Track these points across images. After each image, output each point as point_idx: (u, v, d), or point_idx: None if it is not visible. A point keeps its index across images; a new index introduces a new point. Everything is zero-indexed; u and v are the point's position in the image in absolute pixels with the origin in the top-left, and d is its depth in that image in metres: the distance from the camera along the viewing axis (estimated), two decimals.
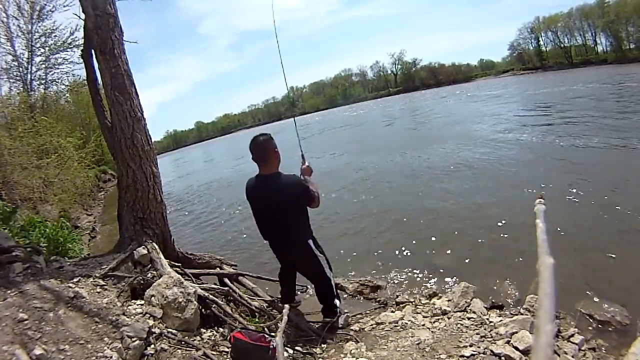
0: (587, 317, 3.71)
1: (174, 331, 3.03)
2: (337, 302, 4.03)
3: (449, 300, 4.12)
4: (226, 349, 3.03)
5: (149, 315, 3.07)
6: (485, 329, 3.39)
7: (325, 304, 4.04)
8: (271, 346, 2.78)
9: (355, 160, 16.14)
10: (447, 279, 4.96)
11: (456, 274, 4.99)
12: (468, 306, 3.93)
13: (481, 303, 3.95)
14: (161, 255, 3.99)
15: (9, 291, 2.73)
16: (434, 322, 3.74)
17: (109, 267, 3.65)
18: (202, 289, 3.65)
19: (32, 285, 2.91)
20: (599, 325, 3.58)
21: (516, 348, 2.94)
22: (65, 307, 2.77)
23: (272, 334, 3.06)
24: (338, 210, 9.18)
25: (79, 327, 2.61)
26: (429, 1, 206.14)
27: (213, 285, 4.15)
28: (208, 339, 3.13)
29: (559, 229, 5.48)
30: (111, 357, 2.43)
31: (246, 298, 4.21)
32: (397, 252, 6.04)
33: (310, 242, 3.74)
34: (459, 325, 3.54)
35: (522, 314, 3.68)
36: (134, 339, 2.63)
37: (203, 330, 3.27)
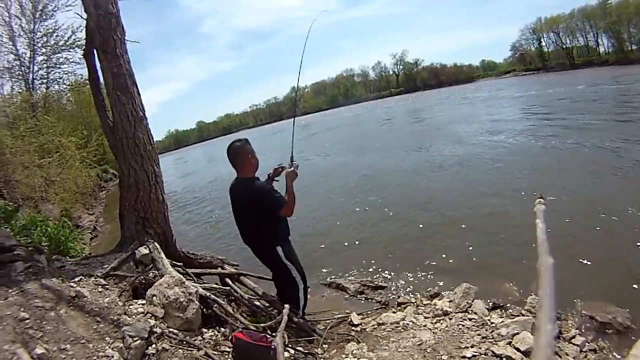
0: (589, 318, 3.70)
1: (175, 331, 3.02)
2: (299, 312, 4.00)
3: (450, 301, 4.12)
4: (228, 349, 3.02)
5: (150, 315, 3.07)
6: (486, 330, 3.39)
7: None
8: (272, 346, 2.77)
9: (354, 159, 16.18)
10: (448, 280, 4.95)
11: (457, 275, 4.98)
12: (469, 307, 3.93)
13: (482, 304, 3.95)
14: (163, 255, 4.00)
15: (10, 290, 2.72)
16: (435, 323, 3.74)
17: (110, 266, 3.65)
18: (203, 288, 3.65)
19: (33, 284, 2.91)
20: (600, 327, 3.57)
21: (517, 349, 2.94)
22: (67, 306, 2.77)
23: (274, 334, 3.06)
24: (338, 210, 9.20)
25: (80, 326, 2.61)
26: (431, 1, 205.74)
27: (214, 285, 4.15)
28: (209, 339, 3.13)
29: (559, 230, 5.47)
30: (112, 356, 2.43)
31: (247, 298, 4.22)
32: (398, 253, 6.04)
33: (278, 249, 3.78)
34: (460, 326, 3.54)
35: (523, 315, 3.68)
36: (135, 339, 2.62)
37: (204, 330, 3.27)
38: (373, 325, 3.94)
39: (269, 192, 3.66)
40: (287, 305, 3.60)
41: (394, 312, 4.16)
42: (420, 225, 7.08)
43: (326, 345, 3.60)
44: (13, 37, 18.34)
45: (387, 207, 8.59)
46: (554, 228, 5.38)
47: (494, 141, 13.37)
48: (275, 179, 4.04)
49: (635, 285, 4.06)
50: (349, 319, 4.14)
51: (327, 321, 4.18)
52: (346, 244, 6.95)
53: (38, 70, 19.44)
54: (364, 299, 4.98)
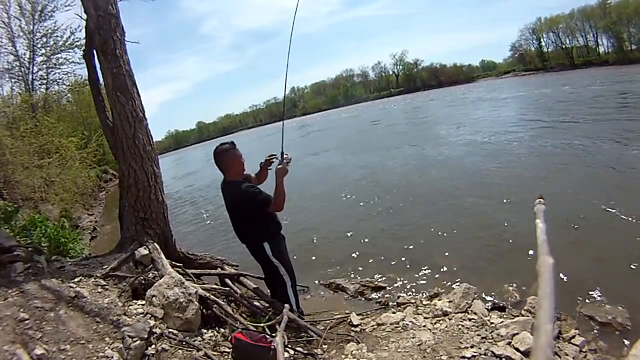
0: (588, 318, 3.70)
1: (175, 331, 3.03)
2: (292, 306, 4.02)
3: (450, 302, 4.12)
4: (227, 350, 3.03)
5: (150, 316, 3.07)
6: (486, 330, 3.39)
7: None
8: (272, 347, 2.77)
9: (351, 159, 16.21)
10: (448, 280, 4.96)
11: (457, 275, 4.99)
12: (469, 307, 3.93)
13: (482, 304, 3.95)
14: (162, 256, 4.00)
15: (10, 291, 2.73)
16: (435, 323, 3.74)
17: (110, 267, 3.65)
18: (203, 289, 3.65)
19: (33, 285, 2.91)
20: (600, 327, 3.58)
21: (517, 349, 2.94)
22: (66, 307, 2.77)
23: (273, 334, 3.06)
24: (337, 210, 9.21)
25: (80, 327, 2.61)
26: (431, 2, 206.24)
27: (214, 286, 4.15)
28: (209, 340, 3.13)
29: (559, 230, 5.47)
30: (112, 357, 2.43)
31: (247, 298, 4.22)
32: (398, 253, 6.03)
33: (266, 245, 3.86)
34: (460, 327, 3.54)
35: (523, 315, 3.68)
36: (135, 339, 2.63)
37: (204, 330, 3.27)
38: (373, 326, 3.93)
39: (253, 194, 3.71)
40: (287, 305, 3.61)
41: (393, 313, 4.16)
42: (420, 226, 7.07)
43: (326, 346, 3.60)
44: (12, 38, 18.36)
45: (386, 207, 8.60)
46: (554, 228, 5.38)
47: (493, 141, 13.36)
48: (268, 168, 4.13)
49: (634, 286, 4.06)
50: (349, 320, 4.13)
51: (327, 321, 4.17)
52: (346, 244, 6.95)
53: (38, 71, 19.47)
54: (363, 299, 4.98)
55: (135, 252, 3.97)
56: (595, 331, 3.54)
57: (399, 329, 3.73)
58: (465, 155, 12.17)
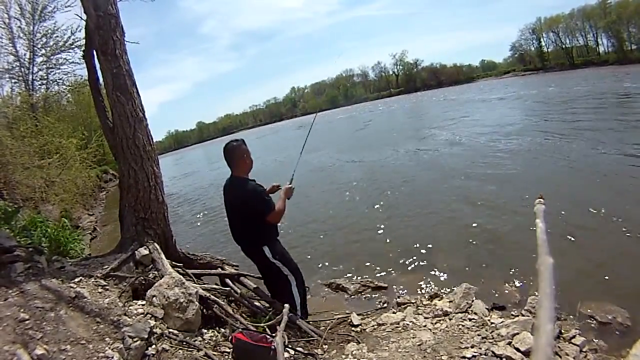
0: (589, 318, 3.70)
1: (175, 331, 3.02)
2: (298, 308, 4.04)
3: (450, 302, 4.12)
4: (228, 350, 3.02)
5: (150, 316, 3.07)
6: (486, 330, 3.39)
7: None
8: (272, 347, 2.77)
9: (350, 159, 16.19)
10: (448, 280, 4.96)
11: (457, 275, 4.99)
12: (469, 307, 3.92)
13: (483, 304, 3.95)
14: (162, 256, 3.99)
15: (10, 291, 2.72)
16: (435, 323, 3.74)
17: (110, 267, 3.64)
18: (203, 289, 3.65)
19: (33, 285, 2.91)
20: (600, 327, 3.58)
21: (517, 349, 2.94)
22: (67, 307, 2.76)
23: (274, 334, 3.06)
24: (337, 210, 9.20)
25: (80, 327, 2.61)
26: (430, 2, 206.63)
27: (214, 286, 4.14)
28: (209, 340, 3.13)
29: (559, 230, 5.47)
30: (112, 357, 2.43)
31: (247, 298, 4.21)
32: (398, 253, 6.04)
33: (266, 248, 3.87)
34: (460, 327, 3.54)
35: (523, 315, 3.67)
36: (135, 339, 2.62)
37: (204, 330, 3.27)
38: (373, 326, 3.93)
39: (260, 195, 3.77)
40: (287, 305, 3.61)
41: (394, 313, 4.16)
42: (420, 225, 7.08)
43: (326, 346, 3.60)
44: (13, 39, 18.35)
45: (385, 206, 8.60)
46: (554, 228, 5.39)
47: (492, 141, 13.36)
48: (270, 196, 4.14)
49: (635, 285, 4.06)
50: (349, 320, 4.14)
51: (327, 321, 4.18)
52: (346, 244, 6.95)
53: (38, 71, 19.46)
54: (363, 299, 4.99)
55: (136, 252, 3.96)
56: (595, 331, 3.55)
57: (400, 329, 3.73)
58: (465, 156, 12.16)
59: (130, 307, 3.19)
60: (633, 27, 63.11)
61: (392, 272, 5.51)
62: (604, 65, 57.51)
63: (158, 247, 4.10)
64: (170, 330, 3.02)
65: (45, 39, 19.01)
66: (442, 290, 4.65)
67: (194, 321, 3.21)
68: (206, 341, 3.10)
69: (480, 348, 3.08)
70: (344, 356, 3.30)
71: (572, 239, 5.30)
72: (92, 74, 4.67)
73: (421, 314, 4.00)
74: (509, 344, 3.05)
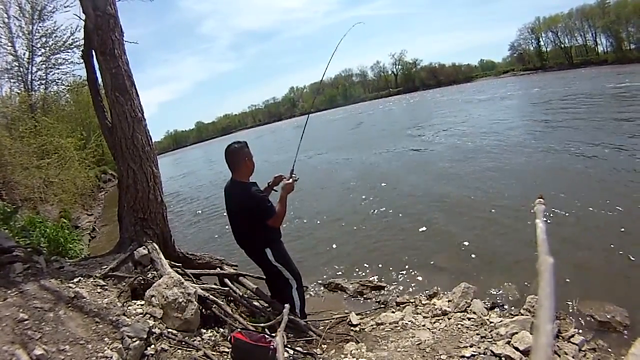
0: (588, 317, 3.71)
1: (174, 331, 3.02)
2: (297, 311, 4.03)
3: (449, 301, 4.12)
4: (227, 350, 3.02)
5: (149, 316, 3.07)
6: (485, 330, 3.39)
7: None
8: (272, 346, 2.77)
9: (348, 158, 16.19)
10: (447, 280, 4.96)
11: (456, 275, 4.99)
12: (468, 306, 3.93)
13: (481, 303, 3.96)
14: (161, 256, 3.99)
15: (9, 291, 2.72)
16: (434, 323, 3.74)
17: (109, 267, 3.64)
18: (202, 289, 3.65)
19: (32, 285, 2.91)
20: (600, 326, 3.58)
21: (517, 348, 2.94)
22: (66, 307, 2.76)
23: (273, 334, 3.06)
24: (336, 210, 9.20)
25: (79, 327, 2.61)
26: (429, 2, 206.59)
27: (213, 286, 4.14)
28: (208, 340, 3.13)
29: (559, 229, 5.48)
30: (111, 357, 2.43)
31: (246, 298, 4.22)
32: (397, 253, 6.04)
33: (268, 250, 3.85)
34: (459, 326, 3.55)
35: (522, 315, 3.68)
36: (134, 339, 2.62)
37: (203, 330, 3.27)
38: (372, 325, 3.94)
39: (261, 200, 3.73)
40: (287, 305, 3.60)
41: (392, 312, 4.16)
42: (419, 225, 7.08)
43: (325, 346, 3.60)
44: (12, 38, 18.29)
45: (384, 207, 8.59)
46: (554, 228, 5.39)
47: (491, 141, 13.36)
48: (274, 188, 4.13)
49: (634, 285, 4.06)
50: (348, 319, 4.14)
51: (326, 321, 4.18)
52: (345, 244, 6.95)
53: (37, 71, 19.37)
54: (362, 299, 4.99)
55: (135, 252, 3.96)
56: (594, 330, 3.55)
57: (398, 328, 3.73)
58: (465, 156, 12.15)
59: (129, 307, 3.19)
60: (632, 27, 63.16)
61: (391, 271, 5.51)
62: (602, 65, 57.53)
63: (157, 247, 4.10)
64: (169, 330, 3.02)
65: (45, 38, 18.96)
66: (440, 290, 4.65)
67: (193, 321, 3.21)
68: (205, 341, 3.10)
69: (479, 347, 3.08)
70: (343, 356, 3.30)
71: (572, 238, 5.31)
72: (91, 74, 4.67)
73: (420, 314, 4.00)
74: (508, 343, 3.05)
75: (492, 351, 2.98)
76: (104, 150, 16.58)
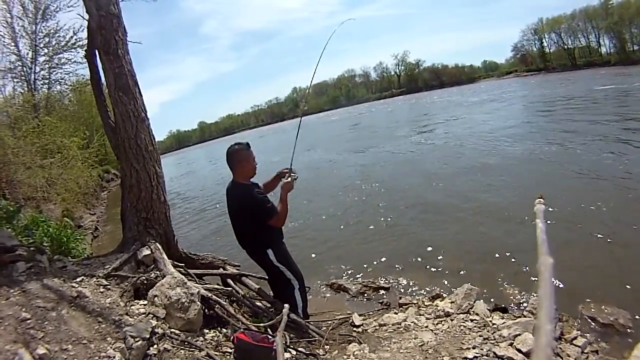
0: (590, 319, 3.70)
1: (177, 331, 3.02)
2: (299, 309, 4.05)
3: (452, 302, 4.11)
4: (229, 350, 3.02)
5: (152, 316, 3.07)
6: (488, 331, 3.38)
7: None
8: (274, 347, 2.77)
9: (349, 158, 16.17)
10: (450, 281, 4.96)
11: (459, 276, 4.99)
12: (471, 308, 3.92)
13: (484, 305, 3.94)
14: (164, 256, 3.99)
15: (12, 290, 2.73)
16: (437, 324, 3.73)
17: (112, 267, 3.65)
18: (205, 289, 3.65)
19: (35, 284, 2.91)
20: (602, 328, 3.58)
21: (519, 350, 2.94)
22: (68, 306, 2.77)
23: (275, 334, 3.06)
24: (338, 210, 9.18)
25: (81, 326, 2.61)
26: (432, 2, 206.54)
27: (216, 286, 4.14)
28: (211, 340, 3.13)
29: (559, 230, 5.47)
30: (114, 357, 2.43)
31: (249, 298, 4.21)
32: (400, 254, 6.03)
33: (269, 252, 3.86)
34: (462, 327, 3.54)
35: (525, 316, 3.67)
36: (137, 339, 2.62)
37: (206, 330, 3.27)
38: (375, 326, 3.93)
39: (261, 202, 3.73)
40: (287, 305, 3.60)
41: (395, 313, 4.16)
42: (421, 226, 7.08)
43: (328, 346, 3.60)
44: (15, 38, 18.34)
45: (387, 207, 8.59)
46: (554, 228, 5.38)
47: (491, 142, 13.35)
48: (282, 179, 4.09)
49: (636, 287, 4.05)
50: (351, 320, 4.13)
51: (329, 322, 4.17)
52: (347, 244, 6.95)
53: (40, 71, 19.44)
54: (365, 299, 4.98)
55: (138, 252, 3.97)
56: (597, 332, 3.54)
57: (401, 329, 3.73)
58: (465, 156, 12.15)
59: (132, 307, 3.19)
60: (635, 28, 62.92)
61: (394, 272, 5.51)
62: (606, 66, 57.38)
63: (160, 247, 4.10)
64: (172, 330, 3.03)
65: (48, 38, 19.02)
66: (443, 291, 4.64)
67: (196, 321, 3.21)
68: (208, 341, 3.10)
69: (481, 349, 3.07)
70: (345, 357, 3.30)
71: (573, 239, 5.30)
72: (95, 73, 4.68)
73: (423, 315, 4.00)
74: (511, 345, 3.04)
75: (494, 353, 2.97)
76: (107, 149, 16.63)
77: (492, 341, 3.18)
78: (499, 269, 4.99)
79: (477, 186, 8.74)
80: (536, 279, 1.12)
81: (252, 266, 4.44)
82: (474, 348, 3.11)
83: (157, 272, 3.75)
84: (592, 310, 3.80)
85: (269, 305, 4.20)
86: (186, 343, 2.91)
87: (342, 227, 8.02)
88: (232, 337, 3.10)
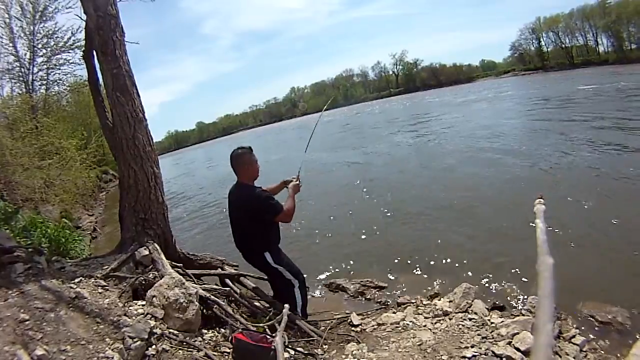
0: (589, 318, 3.71)
1: (175, 332, 3.02)
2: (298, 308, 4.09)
3: (450, 301, 4.12)
4: (228, 350, 3.02)
5: (150, 316, 3.07)
6: (486, 330, 3.39)
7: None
8: (273, 347, 2.77)
9: (348, 159, 16.17)
10: (448, 280, 4.96)
11: (457, 275, 4.99)
12: (469, 307, 3.92)
13: (482, 304, 3.95)
14: (162, 256, 3.99)
15: (10, 291, 2.73)
16: (435, 323, 3.74)
17: (110, 267, 3.65)
18: (203, 289, 3.65)
19: (33, 285, 2.91)
20: (601, 326, 3.58)
21: (518, 349, 2.94)
22: (67, 307, 2.77)
23: (274, 334, 3.06)
24: (337, 210, 9.18)
25: (80, 327, 2.61)
26: (430, 2, 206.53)
27: (214, 286, 4.14)
28: (210, 340, 3.13)
29: (559, 230, 5.47)
30: (112, 357, 2.43)
31: (247, 298, 4.21)
32: (398, 253, 6.03)
33: (267, 254, 3.91)
34: (460, 326, 3.54)
35: (523, 315, 3.68)
36: (135, 340, 2.62)
37: (204, 331, 3.27)
38: (373, 326, 3.93)
39: (266, 198, 3.81)
40: (286, 305, 3.60)
41: (394, 313, 4.16)
42: (420, 226, 7.08)
43: (326, 346, 3.60)
44: (13, 39, 18.32)
45: (385, 207, 8.59)
46: (554, 228, 5.39)
47: (491, 142, 13.35)
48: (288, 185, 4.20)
49: (635, 285, 4.06)
50: (349, 320, 4.14)
51: (327, 321, 4.17)
52: (346, 244, 6.95)
53: (38, 72, 19.39)
54: (363, 299, 4.99)
55: (136, 252, 3.96)
56: (595, 330, 3.55)
57: (400, 328, 3.73)
58: (465, 156, 12.15)
59: (130, 308, 3.19)
60: (633, 27, 63.11)
61: (392, 272, 5.51)
62: (603, 65, 57.48)
63: (158, 247, 4.10)
64: (171, 330, 3.02)
65: (46, 39, 18.98)
66: (442, 290, 4.64)
67: (194, 321, 3.21)
68: (206, 341, 3.10)
69: (480, 348, 3.08)
70: (344, 356, 3.30)
71: (572, 238, 5.30)
72: (92, 74, 4.68)
73: (421, 314, 4.00)
74: (509, 343, 3.05)
75: (493, 352, 2.97)
76: (105, 150, 16.59)
77: (490, 340, 3.19)
78: (497, 268, 4.99)
79: (476, 186, 8.74)
80: (534, 278, 1.13)
81: (250, 266, 4.44)
82: (472, 347, 3.11)
83: (156, 273, 3.74)
84: (591, 308, 3.81)
85: (267, 305, 4.20)
86: (184, 343, 2.90)
87: (340, 227, 8.02)
88: (230, 337, 3.11)
